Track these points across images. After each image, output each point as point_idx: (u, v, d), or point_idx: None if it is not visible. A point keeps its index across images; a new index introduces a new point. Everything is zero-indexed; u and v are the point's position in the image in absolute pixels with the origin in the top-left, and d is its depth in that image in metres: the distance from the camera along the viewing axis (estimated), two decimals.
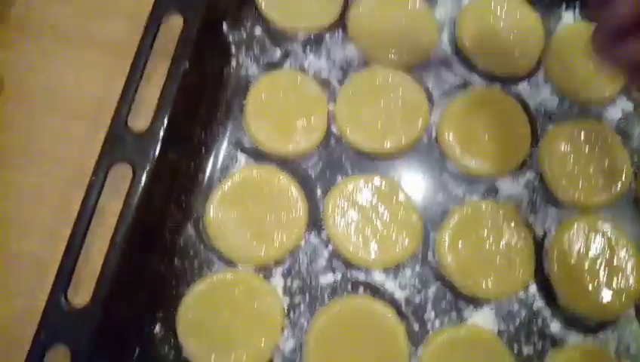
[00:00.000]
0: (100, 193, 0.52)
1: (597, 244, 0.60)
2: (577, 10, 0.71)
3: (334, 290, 0.58)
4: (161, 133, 0.53)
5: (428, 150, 0.64)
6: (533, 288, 0.59)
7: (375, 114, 0.63)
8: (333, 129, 0.64)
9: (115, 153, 0.52)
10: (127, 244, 0.50)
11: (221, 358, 0.54)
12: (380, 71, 0.65)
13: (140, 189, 0.51)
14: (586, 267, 0.59)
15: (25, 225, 0.60)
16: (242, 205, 0.59)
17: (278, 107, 0.63)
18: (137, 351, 0.54)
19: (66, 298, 0.49)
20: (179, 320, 0.55)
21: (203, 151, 0.62)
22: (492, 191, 0.63)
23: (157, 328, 0.55)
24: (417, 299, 0.58)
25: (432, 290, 0.59)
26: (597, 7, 0.43)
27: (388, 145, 0.63)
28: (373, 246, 0.59)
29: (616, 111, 0.67)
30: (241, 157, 0.62)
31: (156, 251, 0.57)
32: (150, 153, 0.52)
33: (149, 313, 0.56)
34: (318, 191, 0.62)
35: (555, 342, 0.58)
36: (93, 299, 0.49)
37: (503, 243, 0.60)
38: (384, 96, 0.64)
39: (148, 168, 0.52)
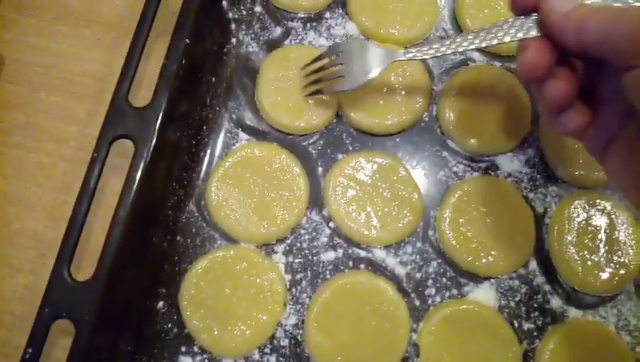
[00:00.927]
0: (102, 168, 0.52)
1: (597, 220, 0.60)
2: None
3: (336, 267, 0.59)
4: (162, 109, 0.53)
5: (428, 127, 0.64)
6: (533, 264, 0.60)
7: (376, 91, 0.63)
8: None
9: (117, 128, 0.52)
10: (130, 219, 0.50)
11: (223, 334, 0.54)
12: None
13: (142, 164, 0.52)
14: (586, 243, 0.59)
15: (27, 203, 0.60)
16: (244, 183, 0.59)
17: (290, 82, 0.63)
18: (140, 326, 0.55)
19: (69, 272, 0.49)
20: (181, 297, 0.55)
21: (204, 128, 0.62)
22: (493, 169, 0.63)
23: (160, 304, 0.56)
24: (418, 276, 0.59)
25: (432, 267, 0.59)
26: (527, 83, 0.45)
27: (389, 123, 0.63)
28: (375, 223, 0.59)
29: None
30: (243, 136, 0.62)
31: (158, 227, 0.57)
32: (151, 128, 0.52)
33: (152, 289, 0.56)
34: (319, 169, 0.62)
35: (556, 318, 0.58)
36: (96, 273, 0.49)
37: (503, 219, 0.60)
38: (386, 72, 0.64)
39: (149, 143, 0.52)
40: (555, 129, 0.47)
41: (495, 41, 0.49)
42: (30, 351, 0.47)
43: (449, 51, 0.53)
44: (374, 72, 0.57)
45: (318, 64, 0.61)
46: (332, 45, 0.64)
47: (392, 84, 0.64)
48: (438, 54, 0.54)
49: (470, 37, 0.51)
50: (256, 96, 0.64)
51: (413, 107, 0.63)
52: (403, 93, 0.64)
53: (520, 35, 0.46)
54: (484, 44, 0.50)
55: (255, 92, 0.64)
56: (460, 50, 0.52)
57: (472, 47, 0.51)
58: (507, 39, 0.48)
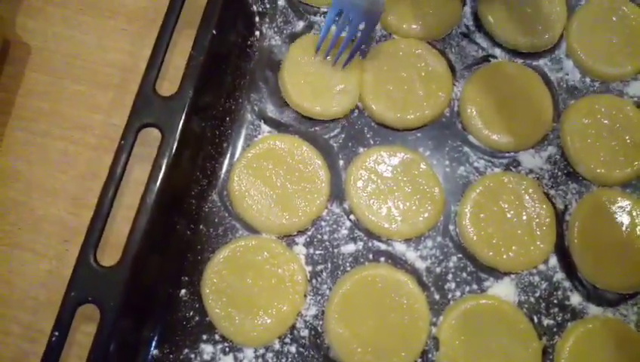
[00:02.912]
0: (128, 156, 0.52)
1: (617, 218, 0.60)
2: None
3: (356, 259, 0.59)
4: (189, 98, 0.54)
5: (450, 123, 0.64)
6: (553, 260, 0.60)
7: (399, 85, 0.64)
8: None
9: (144, 117, 0.53)
10: (156, 207, 0.51)
11: (244, 322, 0.55)
12: (405, 42, 0.66)
13: (169, 152, 0.52)
14: (607, 240, 0.60)
15: (51, 190, 0.61)
16: (265, 174, 0.60)
17: (314, 68, 0.64)
18: (163, 313, 0.55)
19: (95, 258, 0.49)
20: (203, 285, 0.56)
21: (227, 120, 0.62)
22: (514, 165, 0.63)
23: (182, 292, 0.56)
24: (438, 270, 0.59)
25: (452, 261, 0.59)
26: None
27: (410, 117, 0.63)
28: (395, 216, 0.59)
29: (638, 87, 0.67)
30: (265, 128, 0.63)
31: (182, 216, 0.57)
32: (178, 117, 0.53)
33: (175, 277, 0.56)
34: (341, 162, 0.62)
35: (575, 314, 0.58)
36: (122, 259, 0.49)
37: (524, 215, 0.60)
38: (408, 68, 0.64)
39: (176, 132, 0.53)
40: None
41: None
42: (57, 333, 0.47)
43: None
44: None
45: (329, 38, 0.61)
46: (331, 9, 0.61)
47: (413, 78, 0.64)
48: None
49: None
50: (279, 77, 0.64)
51: (435, 102, 0.64)
52: (425, 88, 0.64)
53: None
54: None
55: (279, 74, 0.64)
56: None
57: None
58: None
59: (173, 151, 0.52)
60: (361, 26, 0.61)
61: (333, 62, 0.63)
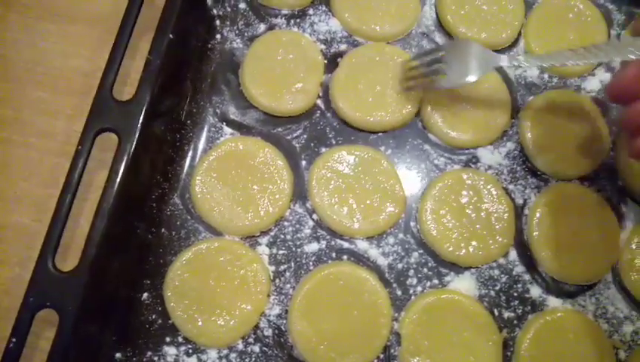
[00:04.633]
0: (86, 161, 0.53)
1: (575, 211, 0.62)
2: None
3: (319, 258, 0.59)
4: (146, 103, 0.54)
5: (411, 122, 0.65)
6: (513, 254, 0.61)
7: (372, 88, 0.64)
8: (319, 101, 0.65)
9: (101, 121, 0.53)
10: (114, 211, 0.51)
11: (207, 324, 0.55)
12: (389, 48, 0.66)
13: (126, 157, 0.52)
14: (565, 233, 0.61)
15: (14, 197, 0.61)
16: (228, 176, 0.60)
17: (276, 63, 0.65)
18: (125, 317, 0.56)
19: (53, 263, 0.50)
20: (166, 288, 0.56)
21: (188, 123, 0.63)
22: (473, 161, 0.64)
23: (144, 295, 0.57)
24: (400, 266, 0.60)
25: (414, 257, 0.60)
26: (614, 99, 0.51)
27: (383, 119, 0.63)
28: (357, 215, 0.60)
29: (594, 83, 0.68)
30: (227, 130, 0.63)
31: (143, 220, 0.58)
32: (135, 121, 0.53)
33: (137, 280, 0.57)
34: (303, 163, 0.63)
35: (535, 307, 0.59)
36: (80, 263, 0.50)
37: (483, 211, 0.61)
38: (383, 72, 0.65)
39: (133, 136, 0.53)
40: (633, 152, 0.49)
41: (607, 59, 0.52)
42: (14, 340, 0.47)
43: (547, 64, 0.59)
44: (475, 75, 0.59)
45: (425, 59, 0.62)
46: (438, 45, 0.65)
47: (387, 81, 0.65)
48: (544, 64, 0.60)
49: (580, 53, 0.53)
50: (240, 73, 0.65)
51: (407, 107, 0.64)
52: (395, 95, 0.64)
53: (631, 55, 0.48)
54: (593, 60, 0.52)
55: (239, 70, 0.65)
56: (568, 63, 0.54)
57: (581, 61, 0.53)
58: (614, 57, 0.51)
59: (131, 155, 0.53)
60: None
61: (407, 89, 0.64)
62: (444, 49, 0.61)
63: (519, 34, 0.69)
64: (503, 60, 0.59)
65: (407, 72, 0.64)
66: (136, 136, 0.53)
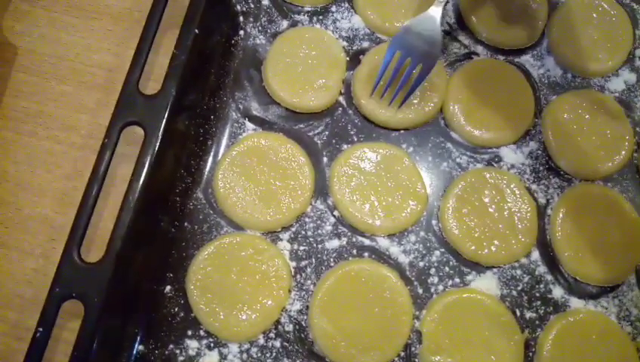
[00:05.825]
0: (112, 154, 0.53)
1: (599, 212, 0.61)
2: None
3: (340, 255, 0.59)
4: (172, 96, 0.54)
5: (433, 120, 0.65)
6: (535, 254, 0.60)
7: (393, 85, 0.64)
8: (340, 98, 0.65)
9: (127, 115, 0.53)
10: (139, 204, 0.52)
11: (229, 318, 0.55)
12: None
13: (152, 150, 0.53)
14: (588, 234, 0.60)
15: (38, 190, 0.61)
16: (250, 171, 0.60)
17: (298, 60, 0.65)
18: (148, 309, 0.56)
19: (79, 254, 0.50)
20: (188, 281, 0.56)
21: (212, 118, 0.63)
22: (495, 160, 0.64)
23: (167, 288, 0.57)
24: (421, 264, 0.59)
25: (435, 256, 0.60)
26: None
27: (405, 117, 0.63)
28: (379, 212, 0.60)
29: (618, 83, 0.68)
30: (249, 125, 0.63)
31: (166, 213, 0.58)
32: (161, 115, 0.54)
33: (160, 273, 0.57)
34: (324, 159, 0.63)
35: (557, 307, 0.59)
36: (105, 255, 0.50)
37: (505, 210, 0.61)
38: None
39: (159, 130, 0.53)
40: None
41: None
42: (41, 329, 0.48)
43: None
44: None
45: (387, 74, 0.62)
46: (388, 48, 0.62)
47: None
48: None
49: None
50: (263, 69, 0.65)
51: (426, 109, 0.64)
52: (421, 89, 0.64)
53: None
54: None
55: (262, 66, 0.65)
56: None
57: None
58: None
59: (156, 149, 0.53)
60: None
61: (389, 103, 0.63)
62: (397, 46, 0.61)
63: (543, 33, 0.69)
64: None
65: (384, 94, 0.63)
66: (162, 130, 0.53)
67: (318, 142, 0.64)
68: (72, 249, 0.50)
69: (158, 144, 0.53)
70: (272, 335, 0.56)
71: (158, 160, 0.53)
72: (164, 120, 0.54)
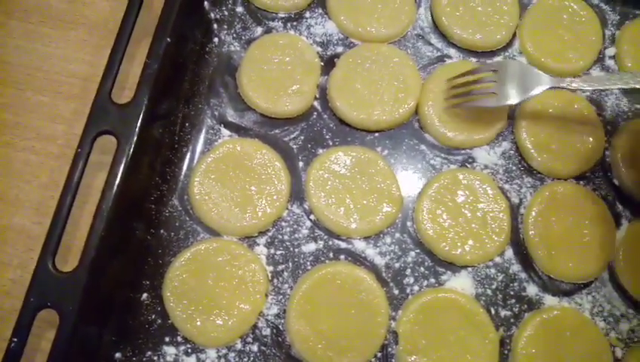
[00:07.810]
0: (85, 163, 0.53)
1: (571, 210, 0.62)
2: None
3: (316, 258, 0.60)
4: (144, 105, 0.55)
5: (407, 121, 0.66)
6: (509, 253, 0.61)
7: (369, 87, 0.65)
8: (315, 103, 0.66)
9: (100, 124, 0.54)
10: (113, 212, 0.52)
11: (206, 324, 0.56)
12: (379, 46, 0.67)
13: (124, 159, 0.53)
14: (561, 232, 0.61)
15: (15, 200, 0.62)
16: (226, 177, 0.61)
17: (274, 66, 0.65)
18: (124, 317, 0.56)
19: (54, 263, 0.50)
20: (165, 288, 0.57)
21: (187, 125, 0.63)
22: (469, 161, 0.64)
23: (144, 296, 0.57)
24: (397, 265, 0.60)
25: (411, 256, 0.61)
26: None
27: (380, 118, 0.64)
28: (354, 215, 0.61)
29: None
30: (225, 132, 0.64)
31: (142, 221, 0.58)
32: (133, 124, 0.54)
33: (136, 281, 0.57)
34: (300, 164, 0.63)
35: (532, 305, 0.60)
36: (79, 264, 0.50)
37: (479, 210, 0.61)
38: (380, 71, 0.66)
39: (131, 139, 0.54)
40: None
41: None
42: (15, 339, 0.48)
43: (614, 86, 0.59)
44: (520, 97, 0.60)
45: (470, 78, 0.63)
46: (488, 62, 0.65)
47: (384, 82, 0.65)
48: (601, 88, 0.60)
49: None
50: (237, 75, 0.66)
51: (404, 107, 0.65)
52: (395, 92, 0.65)
53: None
54: None
55: (237, 72, 0.66)
56: (625, 86, 0.58)
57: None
58: None
59: (129, 157, 0.53)
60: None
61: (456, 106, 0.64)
62: (493, 67, 0.62)
63: (514, 35, 0.70)
64: (552, 82, 0.60)
65: (451, 89, 0.64)
66: (135, 138, 0.54)
67: (294, 146, 0.64)
68: (47, 258, 0.50)
69: (130, 153, 0.53)
70: (249, 339, 0.57)
71: (132, 168, 0.54)
72: (137, 128, 0.54)
